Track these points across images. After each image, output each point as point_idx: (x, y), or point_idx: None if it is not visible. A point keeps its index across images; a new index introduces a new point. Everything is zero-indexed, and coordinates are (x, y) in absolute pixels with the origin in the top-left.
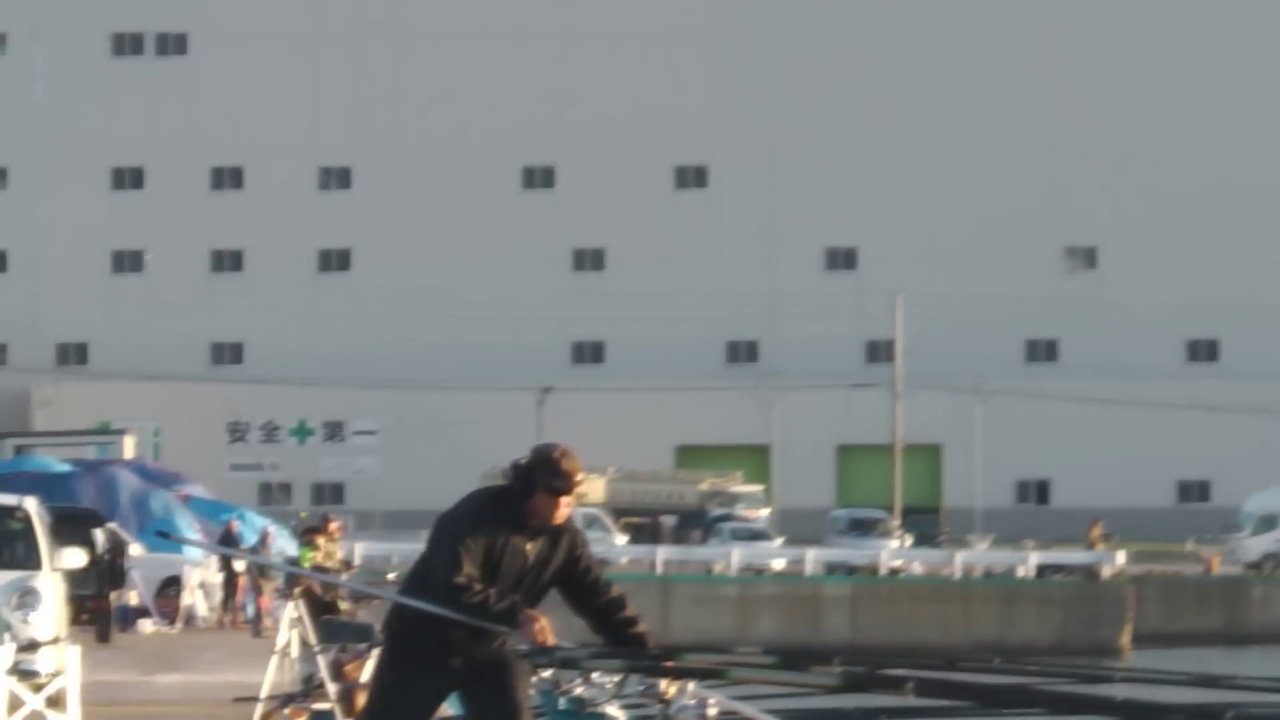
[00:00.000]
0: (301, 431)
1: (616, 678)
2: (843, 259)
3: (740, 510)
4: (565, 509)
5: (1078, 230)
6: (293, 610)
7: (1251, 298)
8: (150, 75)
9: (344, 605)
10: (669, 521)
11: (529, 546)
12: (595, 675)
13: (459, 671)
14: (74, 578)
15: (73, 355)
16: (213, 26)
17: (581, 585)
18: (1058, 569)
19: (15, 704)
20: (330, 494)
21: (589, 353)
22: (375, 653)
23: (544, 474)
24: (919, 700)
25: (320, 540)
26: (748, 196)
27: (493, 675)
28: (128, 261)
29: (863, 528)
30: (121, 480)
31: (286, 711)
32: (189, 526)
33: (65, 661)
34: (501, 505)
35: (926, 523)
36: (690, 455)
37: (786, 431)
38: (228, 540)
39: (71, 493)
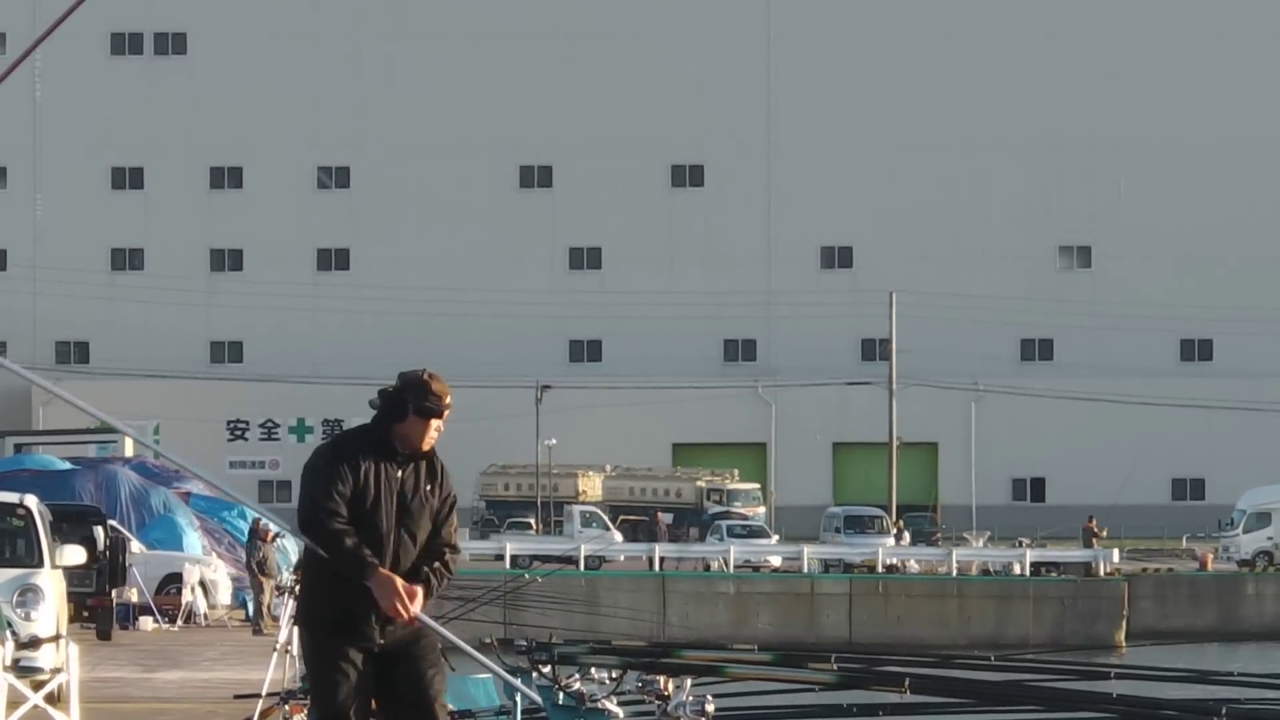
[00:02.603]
0: (300, 429)
1: (615, 674)
2: (838, 258)
3: (737, 507)
4: (434, 434)
5: (1072, 230)
6: (293, 607)
7: (1244, 297)
8: (149, 75)
9: None
10: (666, 518)
11: (400, 475)
12: (593, 671)
13: (376, 643)
14: (74, 575)
15: (73, 354)
16: (211, 26)
17: (437, 526)
18: (1053, 566)
19: (16, 701)
20: None
21: (586, 351)
22: None
23: (414, 396)
24: (915, 697)
25: None
26: (744, 196)
27: (406, 658)
28: (127, 260)
29: (858, 525)
30: (121, 478)
31: (287, 708)
32: (189, 524)
33: (65, 658)
34: (367, 435)
35: (922, 520)
36: (687, 453)
37: (783, 429)
38: (255, 537)
39: (72, 490)
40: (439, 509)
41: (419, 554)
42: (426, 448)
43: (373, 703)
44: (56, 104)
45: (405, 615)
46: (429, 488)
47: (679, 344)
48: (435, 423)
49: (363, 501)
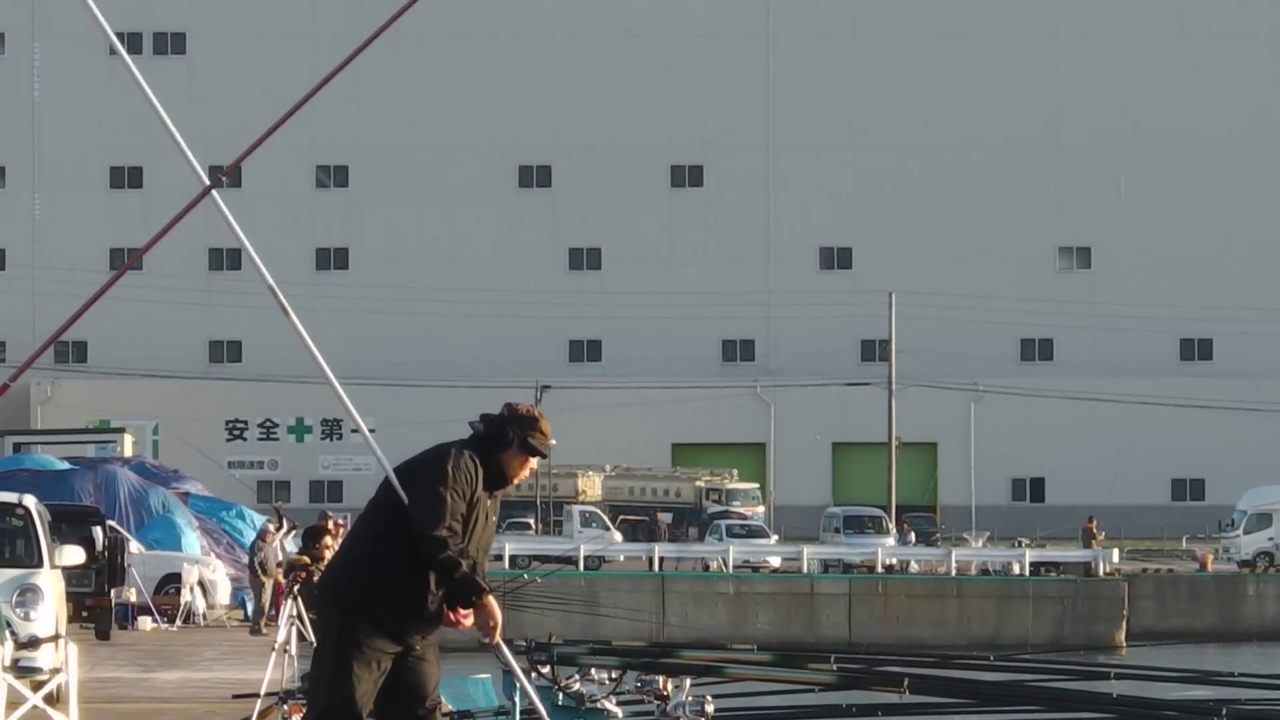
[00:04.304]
0: (299, 429)
1: (614, 674)
2: (838, 258)
3: (736, 507)
4: (527, 472)
5: (1072, 230)
6: (291, 607)
7: (1244, 297)
8: (148, 74)
9: None
10: (666, 518)
11: (489, 501)
12: (593, 671)
13: (414, 646)
14: (73, 575)
15: (72, 353)
16: (210, 26)
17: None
18: (1053, 566)
19: (15, 701)
20: (329, 492)
21: (586, 351)
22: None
23: (522, 431)
24: (914, 697)
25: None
26: (743, 196)
27: (416, 656)
28: (126, 259)
29: (858, 525)
30: (120, 478)
31: (285, 707)
32: (188, 524)
33: (64, 658)
34: (482, 460)
35: (923, 520)
36: (687, 453)
37: (782, 429)
38: (259, 538)
39: (71, 490)
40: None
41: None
42: (515, 482)
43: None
44: (55, 103)
45: (495, 639)
46: (493, 518)
47: (678, 344)
48: (533, 461)
49: (465, 520)
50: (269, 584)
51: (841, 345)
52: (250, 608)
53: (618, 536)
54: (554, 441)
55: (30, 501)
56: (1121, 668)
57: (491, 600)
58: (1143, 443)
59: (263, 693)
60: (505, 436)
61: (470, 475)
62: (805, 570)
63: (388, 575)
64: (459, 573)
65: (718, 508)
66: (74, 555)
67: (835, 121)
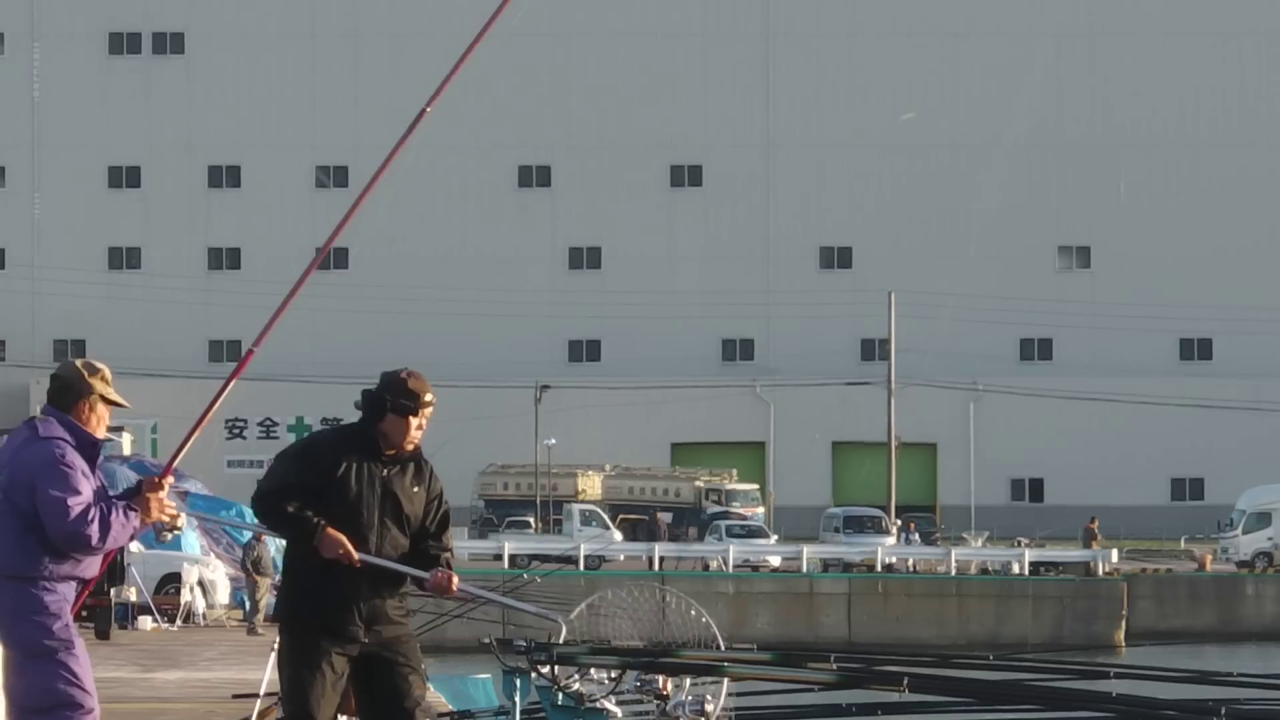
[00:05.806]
0: (299, 428)
1: (614, 674)
2: (838, 258)
3: (736, 507)
4: (416, 431)
5: (1071, 230)
6: None
7: (1244, 297)
8: (147, 74)
9: None
10: (666, 518)
11: (386, 473)
12: (593, 671)
13: (360, 643)
14: None
15: (71, 352)
16: (209, 25)
17: (426, 527)
18: (1053, 566)
19: None
20: None
21: (586, 351)
22: None
23: (391, 394)
24: (914, 696)
25: None
26: (743, 195)
27: (386, 662)
28: (125, 259)
29: (858, 525)
30: (120, 476)
31: None
32: (187, 524)
33: None
34: (349, 432)
35: (923, 520)
36: (686, 452)
37: (782, 429)
38: (253, 537)
39: None
40: (427, 509)
41: (412, 553)
42: (409, 446)
43: (353, 703)
44: (55, 103)
45: (353, 560)
46: (415, 489)
47: (678, 344)
48: (415, 421)
49: (343, 496)
50: (264, 583)
51: (841, 345)
52: (248, 607)
53: (618, 536)
54: (430, 397)
55: None
56: (1121, 667)
57: (332, 532)
58: (1142, 443)
59: (263, 693)
60: (380, 406)
61: (309, 451)
62: (805, 570)
63: (308, 576)
64: (285, 519)
65: (718, 508)
66: None
67: (835, 121)
